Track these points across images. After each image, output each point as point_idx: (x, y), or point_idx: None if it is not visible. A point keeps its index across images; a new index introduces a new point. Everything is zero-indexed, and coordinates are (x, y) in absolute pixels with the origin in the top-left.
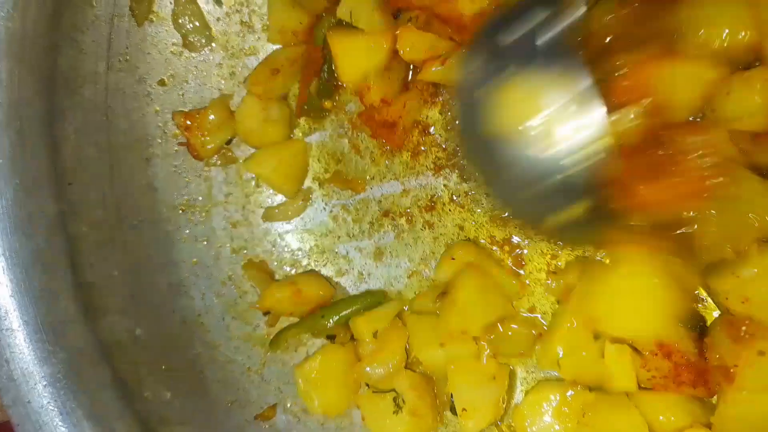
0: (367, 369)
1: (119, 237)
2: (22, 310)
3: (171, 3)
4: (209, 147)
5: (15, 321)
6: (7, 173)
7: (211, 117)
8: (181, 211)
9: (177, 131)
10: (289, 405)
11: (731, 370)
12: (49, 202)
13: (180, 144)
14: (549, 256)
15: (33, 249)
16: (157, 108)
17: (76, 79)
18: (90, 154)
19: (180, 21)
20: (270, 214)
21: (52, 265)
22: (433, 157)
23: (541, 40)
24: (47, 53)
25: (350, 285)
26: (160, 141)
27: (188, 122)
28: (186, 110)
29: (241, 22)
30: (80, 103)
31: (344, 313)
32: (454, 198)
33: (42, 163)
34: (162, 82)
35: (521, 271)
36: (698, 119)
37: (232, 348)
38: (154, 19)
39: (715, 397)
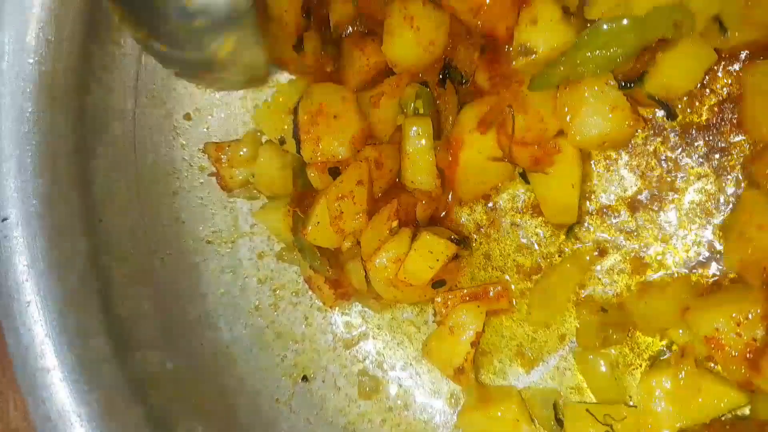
0: None
1: (148, 270)
2: (58, 350)
3: None
4: (238, 179)
5: (51, 361)
6: (41, 214)
7: (244, 150)
8: (207, 243)
9: (203, 164)
10: None
11: None
12: (82, 240)
13: (210, 175)
14: None
15: (67, 289)
16: (183, 142)
17: (105, 117)
18: (119, 189)
19: None
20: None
21: (85, 304)
22: None
23: None
24: (77, 93)
25: None
26: (186, 174)
27: (219, 154)
28: (216, 142)
29: None
30: (109, 140)
31: None
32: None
33: (74, 202)
34: (188, 117)
35: None
36: None
37: (260, 379)
38: None
39: None
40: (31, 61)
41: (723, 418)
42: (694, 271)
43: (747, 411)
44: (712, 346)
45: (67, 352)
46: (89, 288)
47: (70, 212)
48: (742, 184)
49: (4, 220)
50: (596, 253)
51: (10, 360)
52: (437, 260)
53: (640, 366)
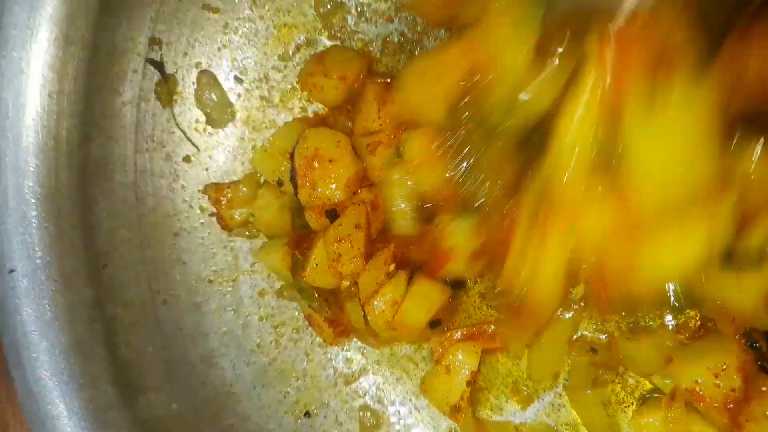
0: None
1: (151, 313)
2: (66, 399)
3: (194, 83)
4: (237, 219)
5: (60, 409)
6: (46, 266)
7: (243, 191)
8: (209, 282)
9: (203, 205)
10: None
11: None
12: (86, 288)
13: (210, 215)
14: None
15: (73, 337)
16: (183, 183)
17: (107, 165)
18: (122, 235)
19: (203, 100)
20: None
21: (91, 351)
22: None
23: None
24: (80, 144)
25: None
26: (186, 215)
27: (219, 195)
28: (216, 183)
29: (261, 98)
30: (111, 187)
31: None
32: None
33: (78, 251)
34: (187, 159)
35: None
36: None
37: (263, 416)
38: (178, 99)
39: None
40: (33, 117)
41: None
42: (680, 316)
43: None
44: (693, 397)
45: (75, 399)
46: (95, 335)
47: (74, 261)
48: None
49: (11, 272)
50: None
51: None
52: (432, 305)
53: (632, 404)
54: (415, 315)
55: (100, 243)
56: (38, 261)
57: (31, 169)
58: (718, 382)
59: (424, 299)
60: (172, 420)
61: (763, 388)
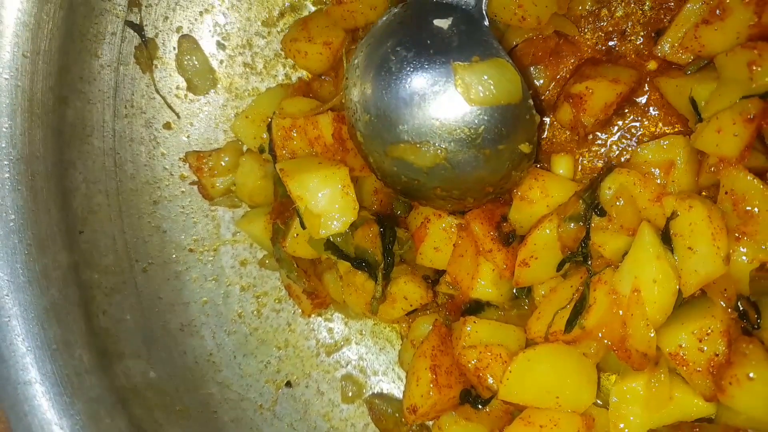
0: None
1: (130, 281)
2: (39, 364)
3: (174, 48)
4: (219, 187)
5: (33, 374)
6: (20, 229)
7: (225, 159)
8: (189, 251)
9: (184, 173)
10: None
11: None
12: (62, 253)
13: (191, 184)
14: None
15: (48, 302)
16: (164, 151)
17: (85, 129)
18: (99, 201)
19: (184, 65)
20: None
21: (67, 316)
22: None
23: None
24: (56, 107)
25: None
26: (167, 183)
27: (200, 163)
28: (197, 151)
29: (244, 64)
30: (89, 152)
31: None
32: None
33: (53, 215)
34: (168, 126)
35: None
36: None
37: (244, 386)
38: (159, 64)
39: None
40: (6, 77)
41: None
42: None
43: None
44: (677, 362)
45: (49, 364)
46: (70, 300)
47: (49, 225)
48: None
49: None
50: None
51: None
52: (411, 305)
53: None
54: (392, 312)
55: (76, 208)
56: (11, 224)
57: (4, 129)
58: (702, 346)
59: (403, 300)
60: (149, 387)
61: (746, 351)
